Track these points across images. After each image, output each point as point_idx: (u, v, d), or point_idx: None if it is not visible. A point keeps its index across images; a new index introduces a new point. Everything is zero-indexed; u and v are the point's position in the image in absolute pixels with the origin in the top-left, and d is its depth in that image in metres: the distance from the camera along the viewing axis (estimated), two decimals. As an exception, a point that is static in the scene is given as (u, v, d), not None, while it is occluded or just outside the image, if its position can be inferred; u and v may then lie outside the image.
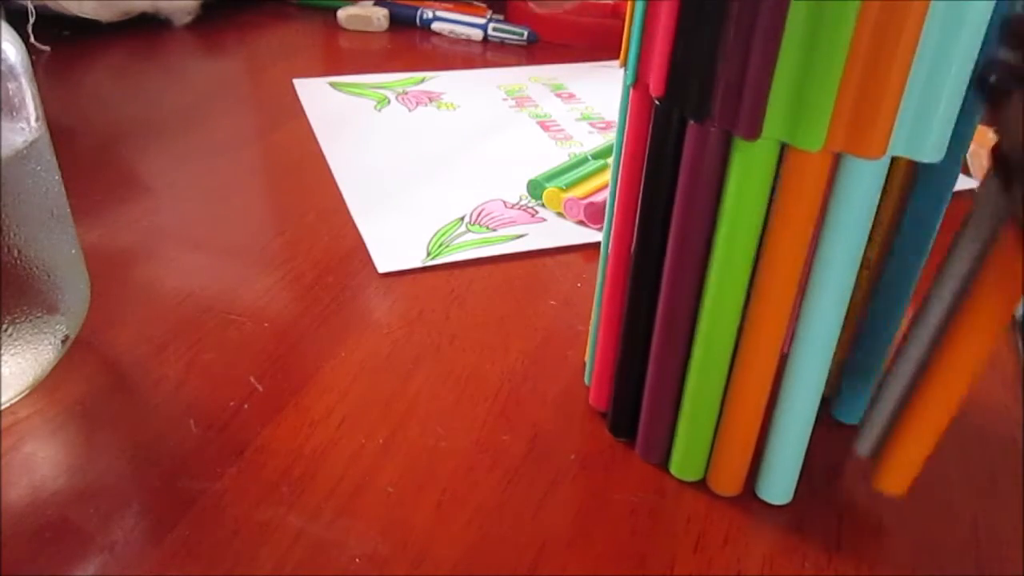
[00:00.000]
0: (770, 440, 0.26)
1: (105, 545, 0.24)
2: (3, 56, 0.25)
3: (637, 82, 0.23)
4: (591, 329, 0.30)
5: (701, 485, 0.27)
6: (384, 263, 0.37)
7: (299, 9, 0.72)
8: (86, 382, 0.29)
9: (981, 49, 0.19)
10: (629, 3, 0.24)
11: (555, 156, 0.49)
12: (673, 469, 0.27)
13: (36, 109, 0.27)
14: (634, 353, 0.26)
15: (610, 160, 0.46)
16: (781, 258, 0.22)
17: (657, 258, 0.24)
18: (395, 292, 0.36)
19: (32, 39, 0.57)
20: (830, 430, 0.29)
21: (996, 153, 0.21)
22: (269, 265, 0.37)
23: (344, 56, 0.65)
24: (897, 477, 0.27)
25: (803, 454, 0.26)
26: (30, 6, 0.57)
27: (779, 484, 0.26)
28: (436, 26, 0.70)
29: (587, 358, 0.31)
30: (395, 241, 0.39)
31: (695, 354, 0.25)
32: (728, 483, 0.27)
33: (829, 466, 0.28)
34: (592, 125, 0.54)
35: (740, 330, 0.24)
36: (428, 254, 0.38)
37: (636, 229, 0.25)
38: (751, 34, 0.20)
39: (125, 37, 0.62)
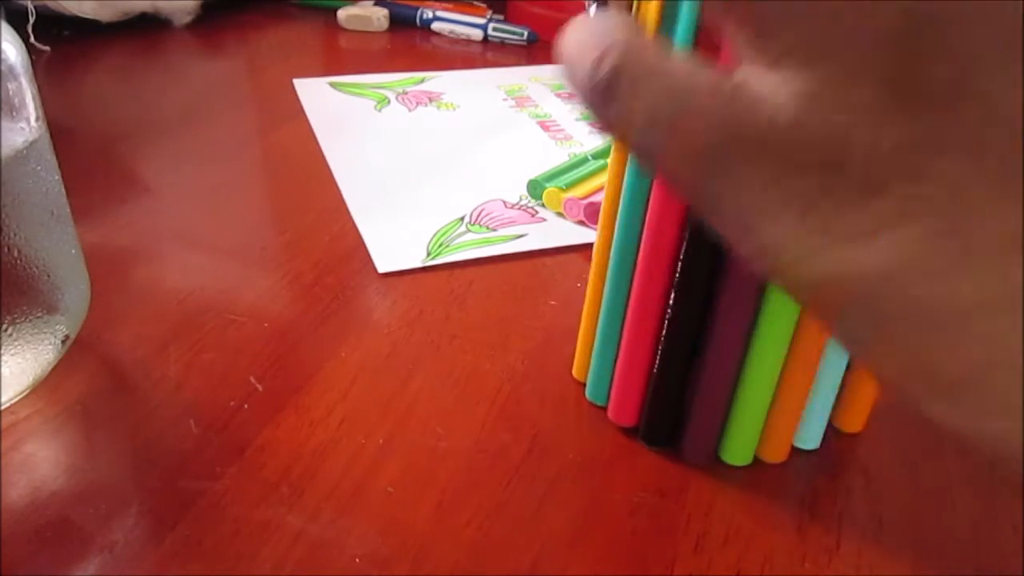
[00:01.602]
0: (808, 401, 0.27)
1: (105, 545, 0.24)
2: (3, 56, 0.25)
3: None
4: (594, 345, 0.29)
5: (700, 485, 0.27)
6: (384, 263, 0.37)
7: (299, 9, 0.72)
8: (86, 382, 0.29)
9: None
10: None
11: (555, 156, 0.49)
12: (727, 458, 0.28)
13: (36, 109, 0.27)
14: (678, 366, 0.27)
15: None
16: None
17: (708, 271, 0.24)
18: (395, 292, 0.36)
19: (32, 39, 0.57)
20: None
21: None
22: (269, 265, 0.37)
23: (344, 56, 0.65)
24: (852, 416, 0.30)
25: (833, 402, 0.28)
26: (30, 6, 0.57)
27: (814, 432, 0.28)
28: (436, 26, 0.70)
29: (585, 375, 0.30)
30: (395, 241, 0.39)
31: (755, 353, 0.25)
32: (779, 451, 0.28)
33: (829, 465, 0.28)
34: (592, 125, 0.54)
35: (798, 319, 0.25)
36: (428, 254, 0.38)
37: (686, 247, 0.24)
38: None
39: (125, 37, 0.62)
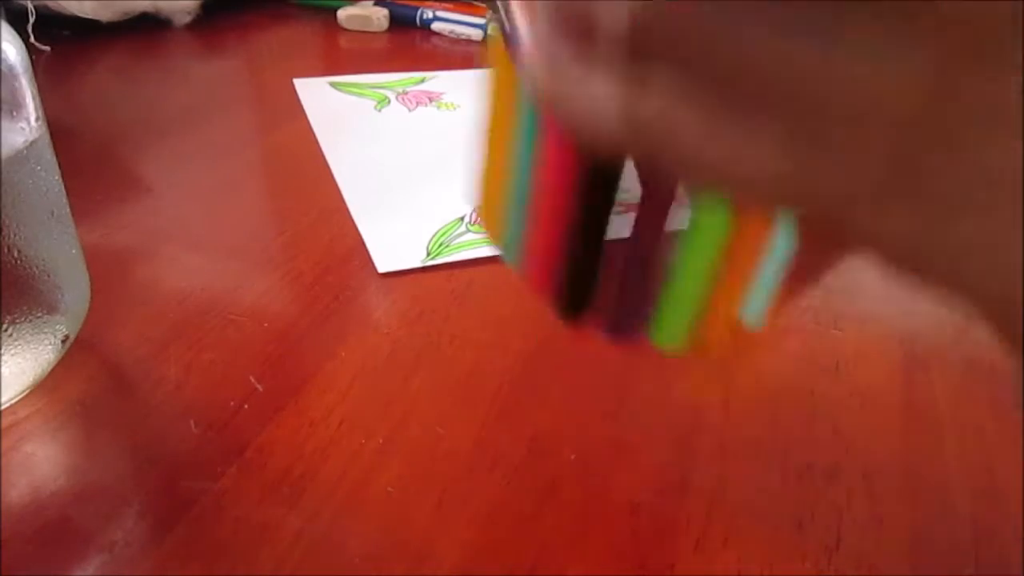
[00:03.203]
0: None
1: (105, 545, 0.24)
2: (3, 56, 0.25)
3: None
4: (512, 194, 0.21)
5: (700, 485, 0.27)
6: (384, 263, 0.37)
7: (299, 9, 0.72)
8: (86, 382, 0.29)
9: None
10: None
11: (555, 156, 0.49)
12: (658, 339, 0.23)
13: (36, 109, 0.27)
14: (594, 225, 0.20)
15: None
16: None
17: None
18: (395, 292, 0.36)
19: (32, 39, 0.57)
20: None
21: None
22: (269, 265, 0.37)
23: (344, 56, 0.65)
24: None
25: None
26: (30, 6, 0.57)
27: (758, 307, 0.25)
28: (436, 26, 0.70)
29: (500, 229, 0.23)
30: (395, 241, 0.39)
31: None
32: (718, 332, 0.23)
33: (828, 464, 0.28)
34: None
35: None
36: (428, 254, 0.38)
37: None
38: None
39: (125, 37, 0.62)
